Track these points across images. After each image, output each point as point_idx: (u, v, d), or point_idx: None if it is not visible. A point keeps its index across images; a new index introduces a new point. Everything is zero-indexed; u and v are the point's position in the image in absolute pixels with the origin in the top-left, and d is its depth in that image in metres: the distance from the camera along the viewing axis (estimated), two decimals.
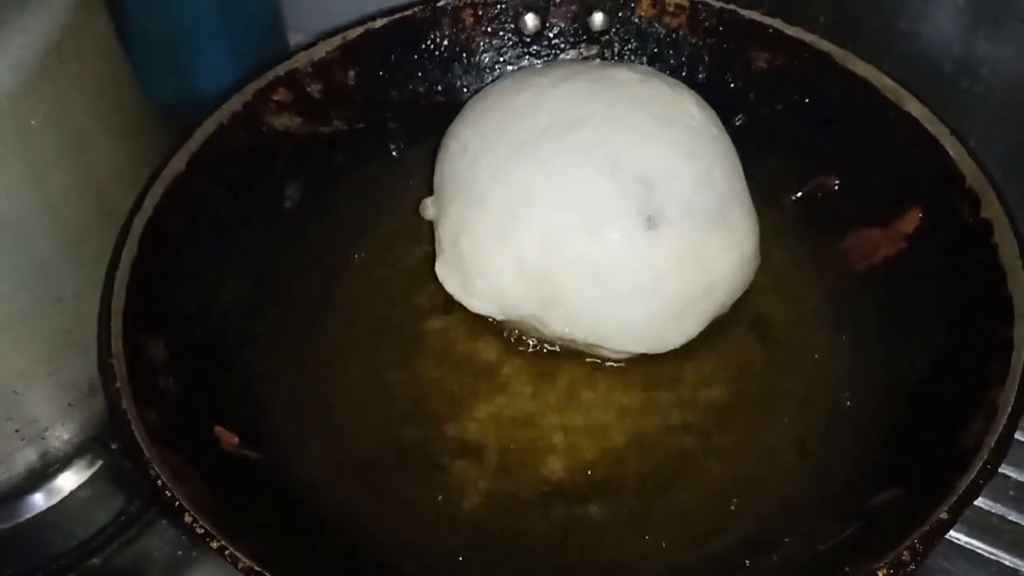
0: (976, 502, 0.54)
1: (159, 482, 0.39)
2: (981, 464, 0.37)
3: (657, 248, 0.47)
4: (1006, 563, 0.53)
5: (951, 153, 0.48)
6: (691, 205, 0.47)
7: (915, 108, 0.50)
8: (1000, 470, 0.54)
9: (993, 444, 0.37)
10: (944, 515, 0.36)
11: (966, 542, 0.53)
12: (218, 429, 0.46)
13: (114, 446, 0.57)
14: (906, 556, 0.35)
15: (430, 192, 0.55)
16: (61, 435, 0.54)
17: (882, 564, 0.35)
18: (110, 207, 0.50)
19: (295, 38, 0.96)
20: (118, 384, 0.42)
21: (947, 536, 0.52)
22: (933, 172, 0.49)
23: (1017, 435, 0.55)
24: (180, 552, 0.56)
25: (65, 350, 0.51)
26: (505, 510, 0.46)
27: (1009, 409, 0.38)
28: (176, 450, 0.42)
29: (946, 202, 0.48)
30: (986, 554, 0.53)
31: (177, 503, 0.38)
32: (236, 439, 0.46)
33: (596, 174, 0.47)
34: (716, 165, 0.49)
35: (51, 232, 0.48)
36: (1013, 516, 0.54)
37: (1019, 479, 0.55)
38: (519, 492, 0.47)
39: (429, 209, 0.54)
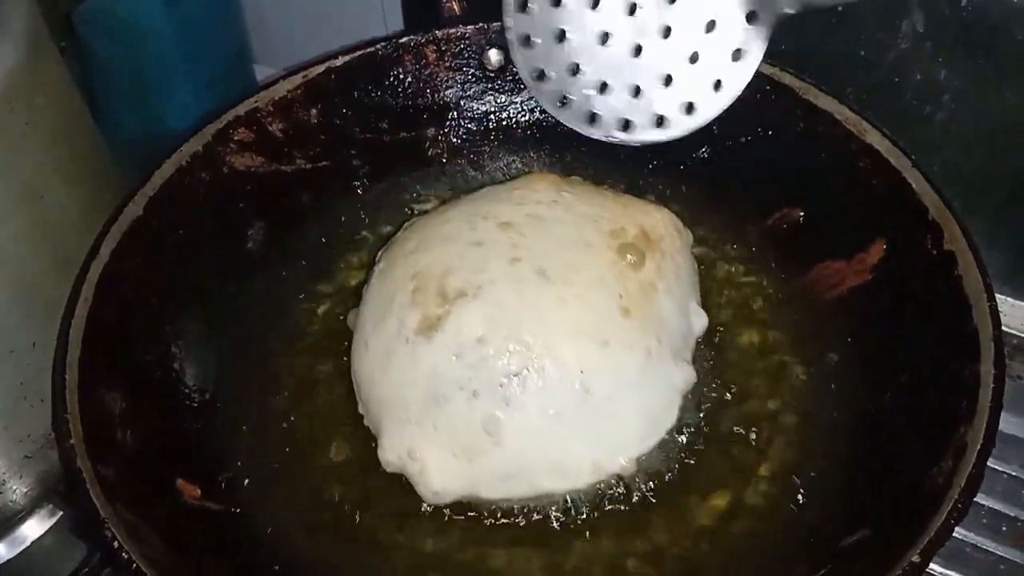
0: None
1: (115, 543, 0.38)
2: (952, 504, 0.36)
3: None
4: None
5: (914, 185, 0.48)
6: None
7: (877, 140, 0.50)
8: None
9: (963, 483, 0.37)
10: (916, 558, 0.35)
11: (941, 572, 0.53)
12: (180, 482, 0.45)
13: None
14: None
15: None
16: (19, 488, 0.53)
17: None
18: (66, 255, 0.49)
19: (262, 71, 0.96)
20: (73, 441, 0.41)
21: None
22: (896, 205, 0.49)
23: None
24: None
25: (20, 403, 0.50)
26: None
27: (978, 447, 0.38)
28: (134, 508, 0.40)
29: (910, 235, 0.48)
30: None
31: (135, 565, 0.37)
32: (198, 491, 0.45)
33: None
34: None
35: (4, 284, 0.47)
36: (987, 544, 0.54)
37: (992, 506, 0.55)
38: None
39: None
